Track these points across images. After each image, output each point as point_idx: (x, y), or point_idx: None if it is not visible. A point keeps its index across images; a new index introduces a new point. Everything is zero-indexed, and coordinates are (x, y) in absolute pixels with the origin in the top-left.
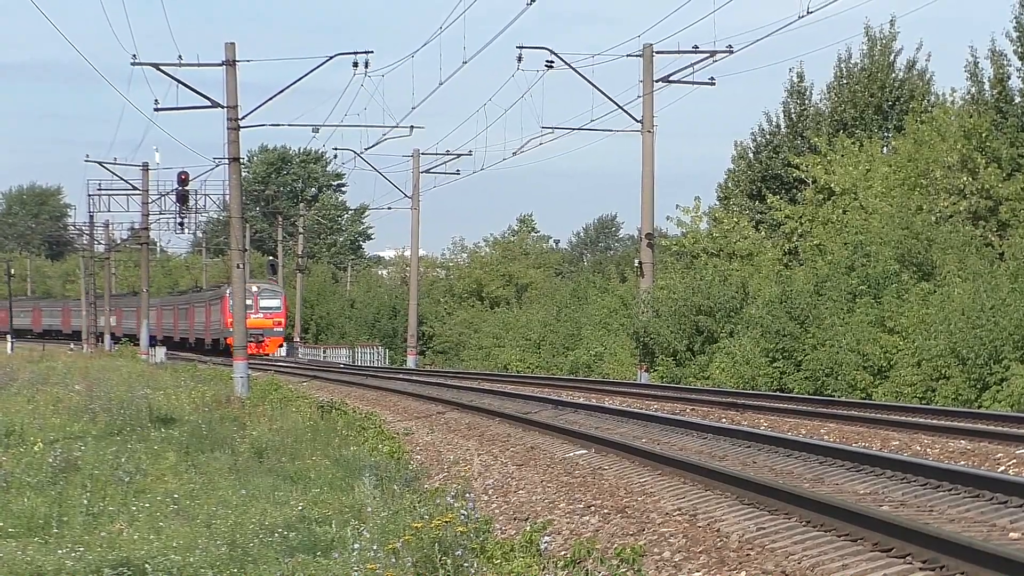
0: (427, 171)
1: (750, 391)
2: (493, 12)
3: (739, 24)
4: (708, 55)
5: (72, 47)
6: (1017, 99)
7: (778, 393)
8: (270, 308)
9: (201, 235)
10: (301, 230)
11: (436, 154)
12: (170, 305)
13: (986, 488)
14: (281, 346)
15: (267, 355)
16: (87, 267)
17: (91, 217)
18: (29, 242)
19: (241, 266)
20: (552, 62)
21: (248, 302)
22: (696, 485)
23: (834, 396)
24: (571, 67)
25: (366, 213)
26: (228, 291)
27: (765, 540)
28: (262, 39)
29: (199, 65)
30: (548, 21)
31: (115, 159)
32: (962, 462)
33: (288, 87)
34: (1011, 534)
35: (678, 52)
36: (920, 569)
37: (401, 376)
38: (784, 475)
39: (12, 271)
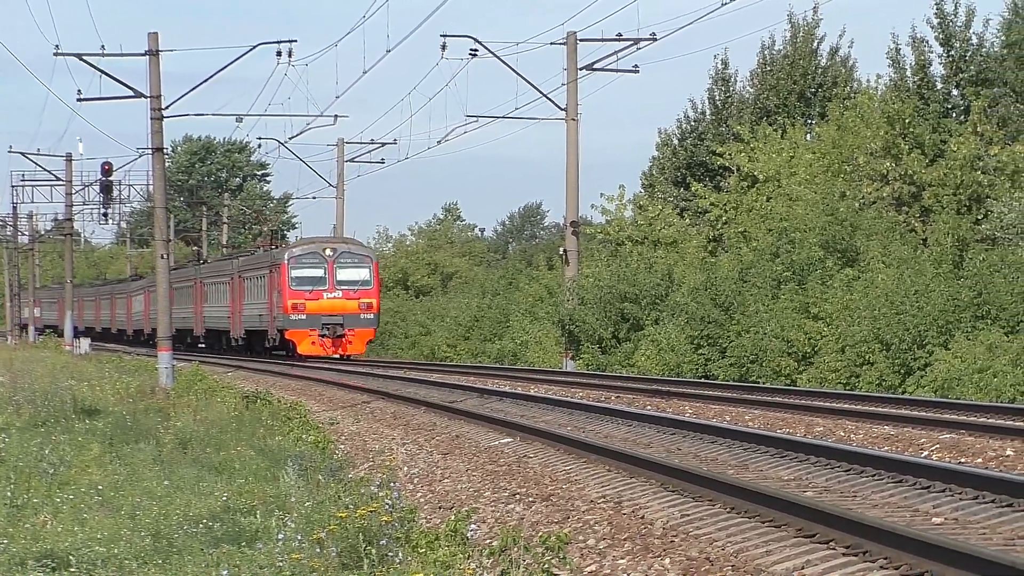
0: (352, 160)
1: (675, 378)
2: (417, 1)
3: (663, 12)
4: (632, 43)
5: None
6: (939, 85)
7: (703, 380)
8: (353, 282)
9: (125, 225)
10: (225, 220)
11: (361, 143)
12: (115, 294)
13: (909, 473)
14: (370, 342)
15: (347, 357)
16: (11, 258)
17: (14, 208)
18: None
19: (165, 256)
20: (476, 50)
21: (318, 272)
22: (621, 472)
23: (759, 383)
24: (495, 55)
25: (290, 202)
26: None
27: (689, 527)
28: (187, 29)
29: (122, 55)
30: (473, 9)
31: (38, 150)
32: (886, 448)
33: (211, 76)
34: (933, 519)
35: (602, 40)
36: (843, 555)
37: (327, 366)
38: (709, 462)
39: None
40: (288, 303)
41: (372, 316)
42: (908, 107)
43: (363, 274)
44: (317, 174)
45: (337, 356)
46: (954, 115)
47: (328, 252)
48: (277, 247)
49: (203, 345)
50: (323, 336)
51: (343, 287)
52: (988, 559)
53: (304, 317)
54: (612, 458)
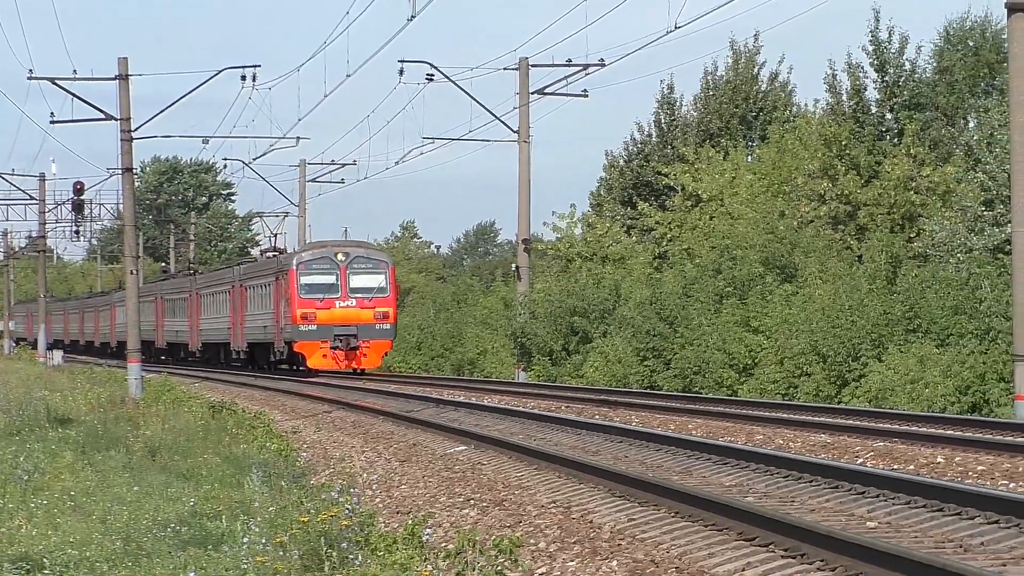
0: (313, 180)
1: (622, 389)
2: (376, 27)
3: (612, 38)
4: (581, 68)
5: None
6: (873, 109)
7: (649, 390)
8: (368, 289)
9: (96, 242)
10: (192, 237)
11: (322, 164)
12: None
13: (845, 479)
14: (387, 354)
15: (365, 371)
16: None
17: None
18: None
19: (135, 272)
20: (432, 75)
21: (330, 278)
22: (570, 479)
23: (702, 393)
24: (450, 80)
25: (254, 221)
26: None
27: (636, 531)
28: (155, 54)
29: (93, 79)
30: (430, 35)
31: (12, 170)
32: (822, 455)
33: (179, 100)
34: (868, 523)
35: (552, 65)
36: (782, 557)
37: (290, 378)
38: (654, 468)
39: None
40: (297, 312)
41: (389, 327)
42: (844, 130)
43: (379, 280)
44: (280, 193)
45: (350, 371)
46: (888, 138)
47: (340, 257)
48: (282, 253)
49: (198, 359)
50: (335, 348)
51: (357, 295)
52: (919, 561)
53: (315, 328)
54: (562, 465)
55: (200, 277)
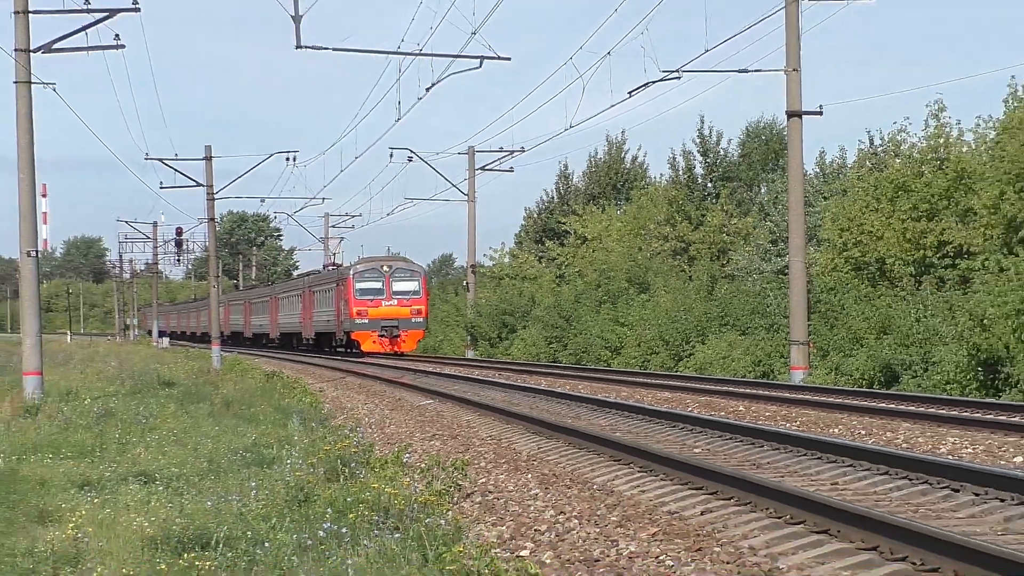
0: (333, 226)
1: (536, 363)
2: (376, 124)
3: (530, 133)
4: (508, 153)
5: (108, 150)
6: (700, 179)
7: (553, 364)
8: (406, 292)
9: (190, 267)
10: (253, 264)
11: (339, 215)
12: (261, 297)
13: (680, 422)
14: (420, 340)
15: (404, 354)
16: (118, 288)
17: (120, 256)
18: (80, 272)
19: (216, 286)
20: (411, 157)
21: (376, 284)
22: (500, 421)
23: (587, 365)
24: (424, 160)
25: (294, 253)
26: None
27: (543, 455)
28: (229, 137)
29: (188, 160)
30: (412, 130)
31: (135, 218)
32: (665, 406)
33: (244, 174)
34: (695, 449)
35: (490, 151)
36: (639, 471)
37: (321, 355)
38: (555, 415)
39: (69, 290)
40: (353, 310)
41: (421, 320)
42: (680, 193)
43: (414, 286)
44: (312, 235)
45: (393, 353)
46: (709, 199)
47: (385, 268)
48: (339, 267)
49: (276, 344)
50: (382, 336)
51: (398, 296)
52: (725, 473)
53: (367, 321)
54: (495, 412)
55: (277, 286)
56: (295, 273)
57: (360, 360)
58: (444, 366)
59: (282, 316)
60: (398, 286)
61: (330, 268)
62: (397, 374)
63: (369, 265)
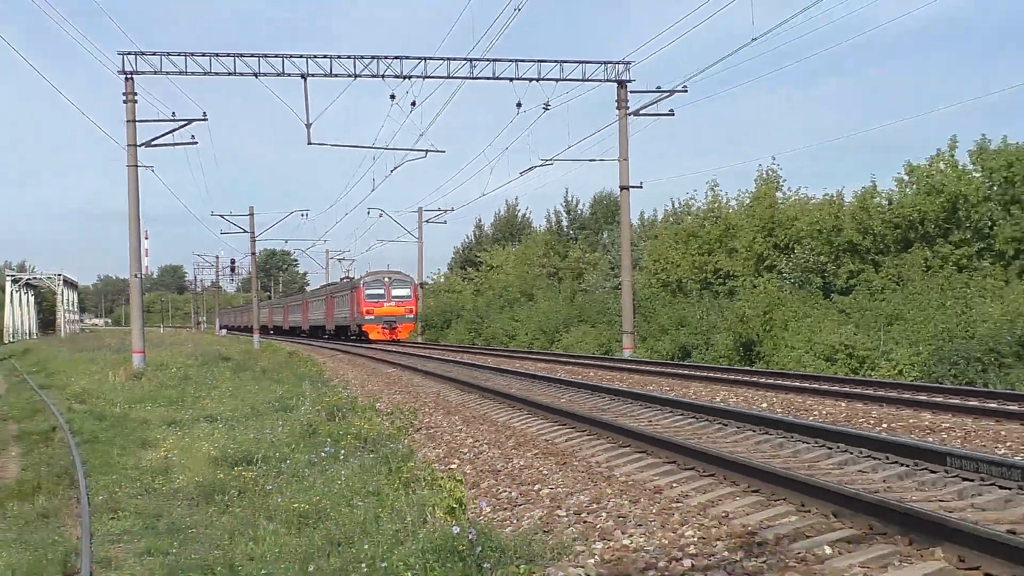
0: (334, 258)
1: (462, 345)
2: (358, 192)
3: (458, 198)
4: (444, 211)
5: (186, 208)
6: (565, 228)
7: (472, 346)
8: (401, 296)
9: (240, 284)
10: (280, 282)
11: (335, 251)
12: (296, 302)
13: (552, 383)
14: (411, 332)
15: (399, 340)
16: (193, 297)
17: (195, 276)
18: (168, 287)
19: (256, 297)
20: (381, 214)
21: (379, 291)
22: (438, 382)
23: (493, 347)
24: (390, 216)
25: (307, 276)
26: (327, 293)
27: (465, 404)
28: (265, 198)
29: (238, 215)
30: (382, 195)
31: (204, 252)
32: (543, 373)
33: (273, 225)
34: (562, 399)
35: (432, 210)
36: (527, 414)
37: (326, 343)
38: (472, 378)
39: (162, 299)
40: (363, 309)
41: (412, 316)
42: (553, 237)
43: (407, 292)
44: (320, 267)
45: (392, 340)
46: (571, 241)
47: (386, 279)
48: (351, 279)
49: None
50: (384, 328)
51: (395, 299)
52: (583, 416)
53: (373, 318)
54: (436, 377)
55: (307, 293)
56: (314, 286)
57: (361, 344)
58: (402, 346)
59: (311, 315)
60: (396, 292)
61: (345, 280)
62: (373, 353)
63: (375, 277)
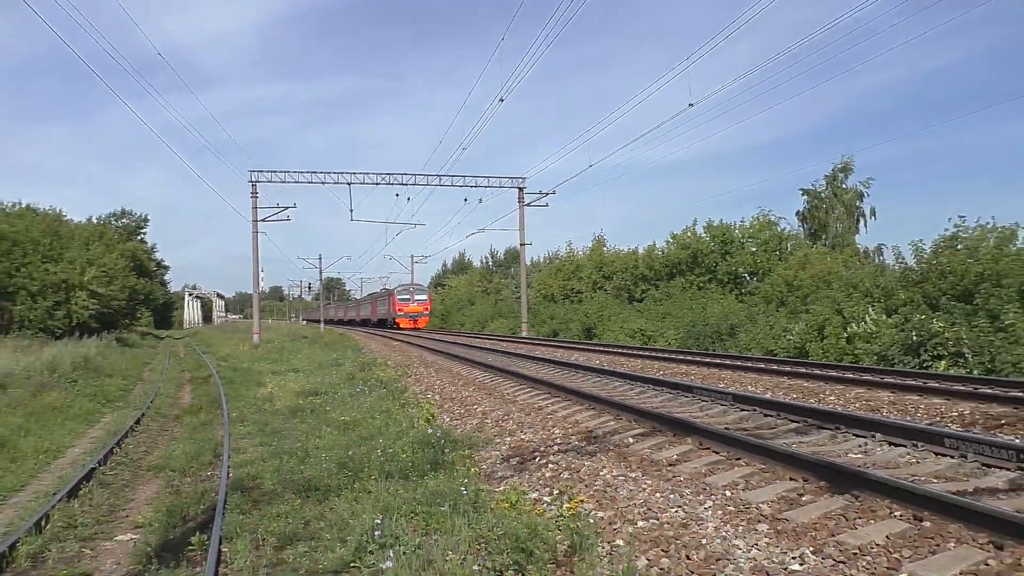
0: (362, 280)
1: (442, 329)
2: (377, 244)
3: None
4: (424, 257)
5: (284, 254)
6: (491, 268)
7: (441, 328)
8: (421, 299)
9: (315, 295)
10: (336, 296)
11: (368, 279)
12: (354, 304)
13: (484, 351)
14: (428, 324)
15: (420, 329)
16: (289, 304)
17: (288, 292)
18: (272, 298)
19: (322, 303)
20: (391, 258)
21: (407, 296)
22: (425, 351)
23: (455, 330)
24: (396, 260)
25: (350, 292)
26: (380, 296)
27: (437, 363)
28: (327, 249)
29: (309, 259)
30: (391, 248)
31: (293, 280)
32: (478, 344)
33: (331, 264)
34: (488, 358)
35: (418, 257)
36: (472, 368)
37: (367, 330)
38: (450, 352)
39: (270, 305)
40: (397, 308)
41: (428, 313)
42: (486, 271)
43: (424, 297)
44: (357, 286)
45: (415, 329)
46: (494, 274)
47: (412, 289)
48: (388, 289)
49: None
50: (410, 320)
51: (417, 302)
52: (499, 367)
53: (403, 313)
54: (423, 348)
55: (361, 299)
56: (364, 293)
57: (391, 331)
58: (416, 334)
59: (362, 312)
60: (417, 297)
61: (383, 290)
62: (395, 336)
63: (404, 287)
